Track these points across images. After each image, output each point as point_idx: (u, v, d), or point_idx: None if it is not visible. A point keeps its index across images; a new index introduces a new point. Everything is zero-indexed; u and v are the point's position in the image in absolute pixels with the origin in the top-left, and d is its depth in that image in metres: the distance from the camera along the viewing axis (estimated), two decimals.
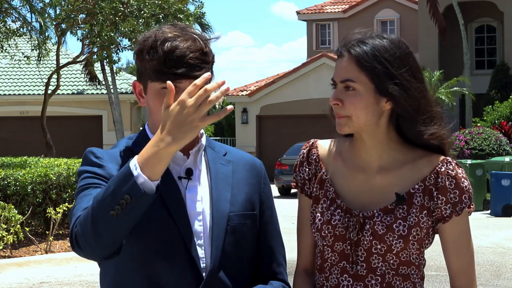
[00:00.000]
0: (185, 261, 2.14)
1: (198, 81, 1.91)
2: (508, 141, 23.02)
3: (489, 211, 17.59)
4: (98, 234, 1.96)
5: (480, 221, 16.06)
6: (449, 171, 2.23)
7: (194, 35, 2.19)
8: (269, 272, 2.32)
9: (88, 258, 2.07)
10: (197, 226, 2.18)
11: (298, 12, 38.83)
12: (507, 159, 18.91)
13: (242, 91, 31.63)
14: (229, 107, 1.91)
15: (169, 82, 1.96)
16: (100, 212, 1.94)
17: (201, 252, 2.17)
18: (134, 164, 1.93)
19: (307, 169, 2.33)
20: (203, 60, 2.15)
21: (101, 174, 2.15)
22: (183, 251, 2.14)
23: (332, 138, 2.36)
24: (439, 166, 2.24)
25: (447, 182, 2.22)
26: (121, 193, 1.91)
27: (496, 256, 11.50)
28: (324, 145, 2.35)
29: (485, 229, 14.67)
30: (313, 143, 2.36)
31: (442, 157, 2.26)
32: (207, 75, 1.95)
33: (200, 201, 2.21)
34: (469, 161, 18.51)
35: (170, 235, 2.14)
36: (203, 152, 2.27)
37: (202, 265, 2.16)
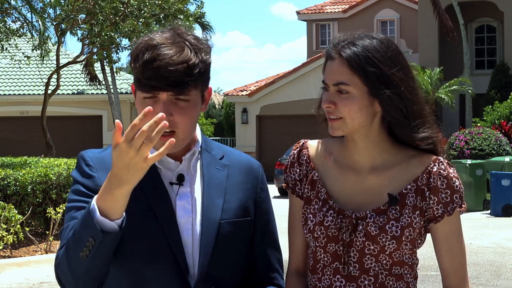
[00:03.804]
0: (172, 269, 2.12)
1: (136, 121, 1.87)
2: (508, 141, 23.00)
3: (489, 211, 17.58)
4: (75, 273, 2.01)
5: (480, 221, 16.04)
6: (441, 171, 2.23)
7: (186, 43, 2.11)
8: (264, 278, 2.30)
9: None
10: (186, 233, 2.15)
11: (298, 12, 38.83)
12: (507, 159, 18.89)
13: (242, 91, 31.63)
14: (171, 140, 1.88)
15: (117, 121, 1.93)
16: (72, 254, 1.99)
17: (189, 260, 2.14)
18: (93, 204, 1.95)
19: (298, 170, 2.32)
20: (185, 73, 2.07)
21: (89, 186, 2.15)
22: (171, 259, 2.12)
23: (322, 138, 2.35)
24: (431, 166, 2.24)
25: (438, 182, 2.22)
26: (85, 236, 1.95)
27: (496, 256, 11.49)
28: (314, 146, 2.34)
29: (485, 229, 14.65)
30: (303, 143, 2.36)
31: (433, 157, 2.26)
32: (147, 110, 1.86)
33: (191, 208, 2.18)
34: (469, 161, 18.49)
35: (158, 243, 2.12)
36: (198, 156, 2.23)
37: (191, 273, 2.14)
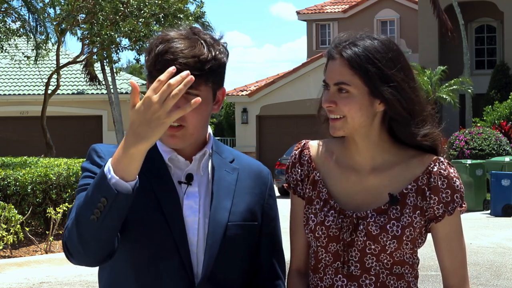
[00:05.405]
0: (177, 268, 2.13)
1: (162, 77, 1.88)
2: (508, 141, 23.02)
3: (489, 211, 17.59)
4: (84, 239, 1.98)
5: (480, 221, 16.05)
6: (441, 171, 2.24)
7: (200, 40, 2.13)
8: (267, 284, 2.30)
9: (80, 264, 2.08)
10: (192, 233, 2.16)
11: (298, 12, 38.84)
12: (507, 159, 18.90)
13: (242, 91, 31.63)
14: (197, 99, 1.89)
15: (132, 80, 1.94)
16: (82, 218, 1.96)
17: (194, 259, 2.15)
18: (108, 166, 1.94)
19: (299, 170, 2.33)
20: (196, 67, 2.07)
21: None
22: (176, 258, 2.13)
23: (323, 139, 2.36)
24: (431, 166, 2.25)
25: (439, 182, 2.23)
26: (97, 196, 1.93)
27: (496, 256, 11.50)
28: (315, 146, 2.35)
29: (485, 229, 14.66)
30: (304, 144, 2.37)
31: (434, 157, 2.26)
32: (171, 69, 1.90)
33: (198, 208, 2.18)
34: (469, 161, 18.50)
35: (164, 240, 2.13)
36: (208, 157, 2.24)
37: (195, 273, 2.14)
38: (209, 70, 2.12)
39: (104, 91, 28.93)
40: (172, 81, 1.87)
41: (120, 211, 1.95)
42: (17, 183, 11.81)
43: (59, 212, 11.44)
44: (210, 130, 2.28)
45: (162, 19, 19.44)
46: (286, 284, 2.34)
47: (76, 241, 1.99)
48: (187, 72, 1.89)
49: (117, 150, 1.95)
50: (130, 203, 1.97)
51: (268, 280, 2.30)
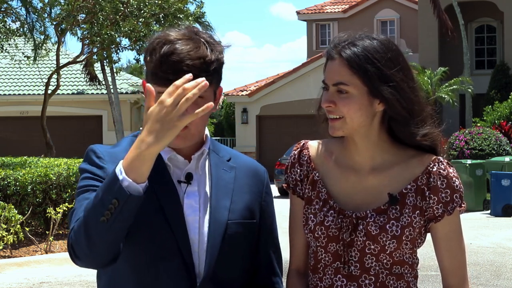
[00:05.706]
0: (179, 267, 2.13)
1: (178, 82, 1.92)
2: (508, 141, 23.01)
3: (489, 211, 17.59)
4: (92, 241, 1.98)
5: (480, 221, 16.05)
6: (441, 171, 2.24)
7: (202, 40, 2.15)
8: (265, 283, 2.31)
9: (86, 267, 2.09)
10: (193, 232, 2.16)
11: (298, 12, 38.85)
12: (507, 159, 18.90)
13: (242, 91, 31.63)
14: (209, 104, 1.93)
15: (148, 84, 1.97)
16: (91, 220, 1.96)
17: (195, 259, 2.15)
18: (119, 168, 1.95)
19: (298, 170, 2.33)
20: (201, 69, 2.10)
21: (100, 175, 2.14)
22: (178, 257, 2.13)
23: (322, 139, 2.36)
24: (431, 166, 2.25)
25: (438, 182, 2.23)
26: (108, 198, 1.93)
27: (496, 256, 11.50)
28: (315, 146, 2.35)
29: (485, 229, 14.66)
30: (304, 144, 2.37)
31: (433, 157, 2.27)
32: (188, 76, 1.93)
33: (198, 207, 2.19)
34: (469, 161, 18.50)
35: (165, 240, 2.13)
36: (206, 157, 2.25)
37: (197, 272, 2.15)
38: (213, 71, 2.14)
39: (104, 91, 28.93)
40: (187, 85, 1.90)
41: (130, 212, 1.96)
42: (17, 183, 11.81)
43: (59, 212, 11.44)
44: (207, 130, 2.29)
45: (162, 19, 19.43)
46: (285, 284, 2.35)
47: (84, 243, 1.99)
48: (203, 78, 1.92)
49: (128, 152, 1.96)
50: (140, 204, 1.97)
51: (267, 278, 2.31)
